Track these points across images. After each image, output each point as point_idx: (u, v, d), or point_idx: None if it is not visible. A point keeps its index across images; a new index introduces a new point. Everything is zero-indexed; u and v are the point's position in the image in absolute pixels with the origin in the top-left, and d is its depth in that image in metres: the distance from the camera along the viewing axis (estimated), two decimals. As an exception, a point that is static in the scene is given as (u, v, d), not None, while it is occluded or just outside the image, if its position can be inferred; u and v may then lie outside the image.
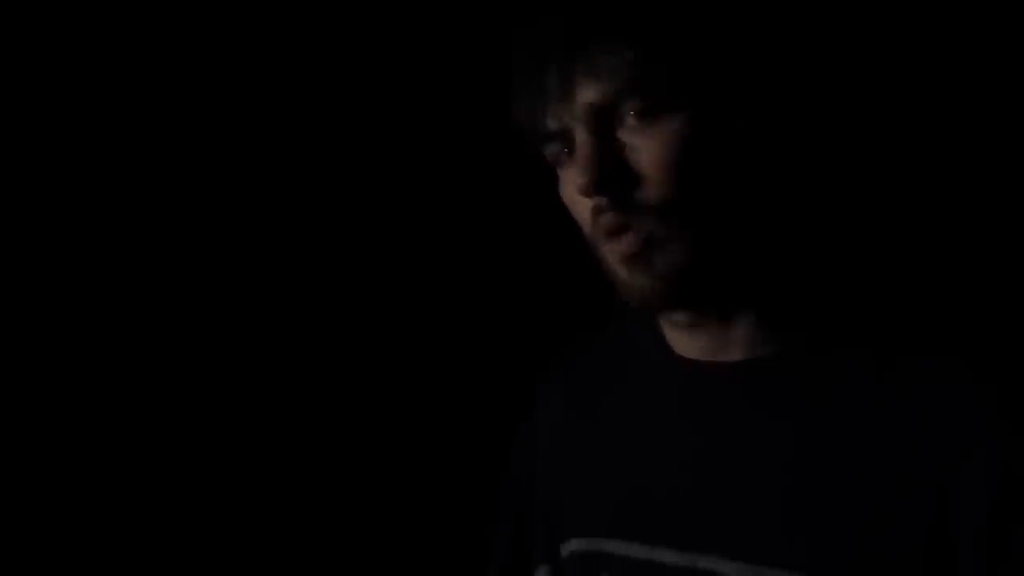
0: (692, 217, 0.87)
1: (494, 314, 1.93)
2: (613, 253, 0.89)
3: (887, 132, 1.49)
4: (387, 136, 1.94)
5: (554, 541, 1.11)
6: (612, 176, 0.87)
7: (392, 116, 1.92)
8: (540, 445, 1.14)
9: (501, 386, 1.72)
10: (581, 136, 0.88)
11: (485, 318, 1.94)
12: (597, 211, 0.89)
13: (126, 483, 1.88)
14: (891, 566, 0.82)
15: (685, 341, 0.98)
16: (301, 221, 1.93)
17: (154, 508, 1.88)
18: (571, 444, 1.09)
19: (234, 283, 1.96)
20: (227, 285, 1.96)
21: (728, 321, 0.94)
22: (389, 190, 1.94)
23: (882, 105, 1.49)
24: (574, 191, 0.90)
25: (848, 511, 0.85)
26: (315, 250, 1.94)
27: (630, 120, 0.87)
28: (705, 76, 0.87)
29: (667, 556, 0.93)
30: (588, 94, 0.87)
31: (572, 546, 1.04)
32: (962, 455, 0.82)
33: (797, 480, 0.88)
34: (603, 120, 0.88)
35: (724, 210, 0.89)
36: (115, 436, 1.88)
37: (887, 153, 1.50)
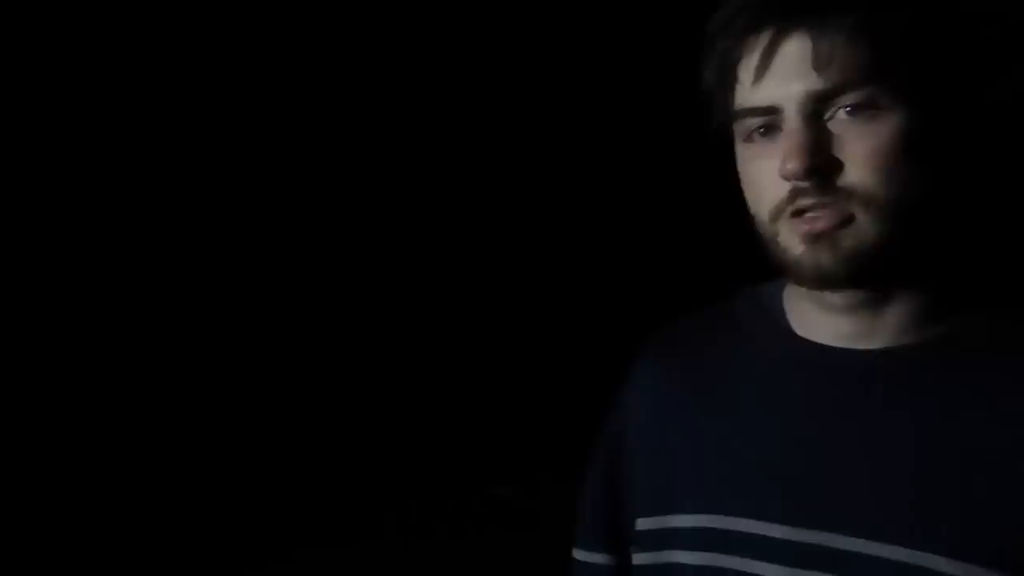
0: (887, 202, 0.90)
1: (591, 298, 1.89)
2: (797, 230, 0.92)
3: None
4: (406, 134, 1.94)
5: (629, 517, 1.13)
6: (821, 164, 0.89)
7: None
8: (636, 419, 1.15)
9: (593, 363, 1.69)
10: (794, 122, 0.90)
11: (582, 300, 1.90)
12: (796, 193, 0.91)
13: (126, 483, 1.87)
14: (1009, 537, 0.87)
15: (825, 325, 1.00)
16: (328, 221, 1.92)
17: (154, 508, 1.87)
18: (677, 421, 1.10)
19: (240, 283, 1.96)
20: (229, 285, 1.96)
21: (878, 309, 0.97)
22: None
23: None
24: (768, 169, 0.92)
25: (968, 489, 0.89)
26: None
27: (845, 111, 0.90)
28: (925, 76, 0.91)
29: (795, 535, 0.95)
30: (811, 82, 0.89)
31: (686, 521, 1.05)
32: None
33: (924, 464, 0.91)
34: (819, 107, 0.90)
35: (917, 196, 0.92)
36: (115, 436, 1.88)
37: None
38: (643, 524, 1.10)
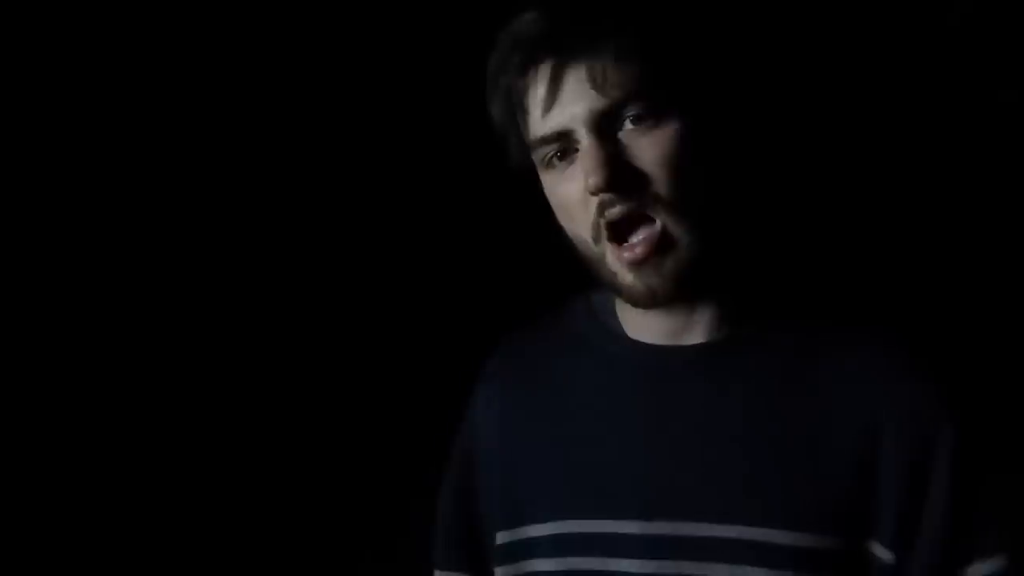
0: (687, 204, 0.97)
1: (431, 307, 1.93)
2: (619, 259, 0.98)
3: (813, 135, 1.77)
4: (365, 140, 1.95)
5: (489, 534, 1.17)
6: (620, 174, 0.95)
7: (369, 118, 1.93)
8: (485, 437, 1.19)
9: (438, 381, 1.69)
10: (587, 140, 0.96)
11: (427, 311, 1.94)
12: (604, 206, 0.96)
13: (126, 483, 1.84)
14: (831, 502, 0.97)
15: (649, 326, 1.07)
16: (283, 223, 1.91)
17: (154, 508, 1.86)
18: (524, 434, 1.14)
19: (234, 283, 1.94)
20: (227, 285, 1.94)
21: (692, 309, 1.05)
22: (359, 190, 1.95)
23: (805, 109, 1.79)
24: (574, 190, 0.98)
25: (791, 463, 0.98)
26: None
27: (630, 122, 0.96)
28: (697, 83, 0.99)
29: (647, 528, 1.01)
30: (592, 100, 0.95)
31: (542, 530, 1.09)
32: (884, 400, 0.98)
33: (751, 445, 1.00)
34: (606, 124, 0.95)
35: (713, 199, 1.00)
36: (115, 436, 1.85)
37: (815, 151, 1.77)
38: (501, 538, 1.14)
